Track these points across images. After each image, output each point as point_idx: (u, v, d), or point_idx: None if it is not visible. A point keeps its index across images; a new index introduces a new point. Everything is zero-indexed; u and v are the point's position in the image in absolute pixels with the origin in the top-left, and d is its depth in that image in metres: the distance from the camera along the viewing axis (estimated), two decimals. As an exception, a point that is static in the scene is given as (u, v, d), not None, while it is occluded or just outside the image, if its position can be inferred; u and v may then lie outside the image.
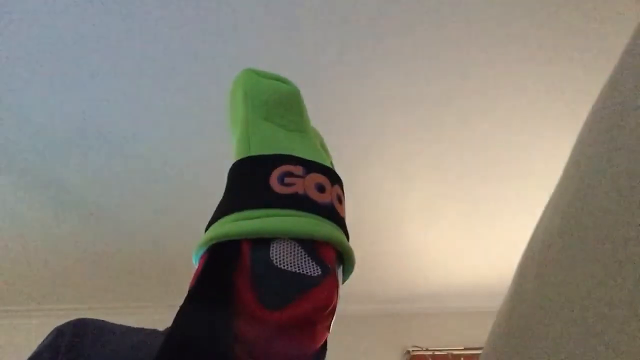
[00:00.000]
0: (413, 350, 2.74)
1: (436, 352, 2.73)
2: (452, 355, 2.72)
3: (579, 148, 0.29)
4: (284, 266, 0.56)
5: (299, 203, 0.59)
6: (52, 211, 2.08)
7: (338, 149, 1.79)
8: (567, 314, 0.26)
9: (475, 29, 1.35)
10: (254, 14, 1.31)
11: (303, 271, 0.56)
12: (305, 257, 0.57)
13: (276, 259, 0.57)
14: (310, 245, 0.58)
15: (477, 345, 2.62)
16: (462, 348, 2.72)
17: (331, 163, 0.79)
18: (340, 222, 0.62)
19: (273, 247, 0.57)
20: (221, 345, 0.56)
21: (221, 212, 0.64)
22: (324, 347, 0.63)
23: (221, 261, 0.60)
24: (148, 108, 1.60)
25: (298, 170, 0.62)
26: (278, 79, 0.71)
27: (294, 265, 0.56)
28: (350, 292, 2.79)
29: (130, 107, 1.60)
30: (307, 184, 0.61)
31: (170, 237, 2.20)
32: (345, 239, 0.62)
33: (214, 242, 0.60)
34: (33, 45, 1.38)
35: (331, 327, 0.60)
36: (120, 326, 0.69)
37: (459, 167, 1.87)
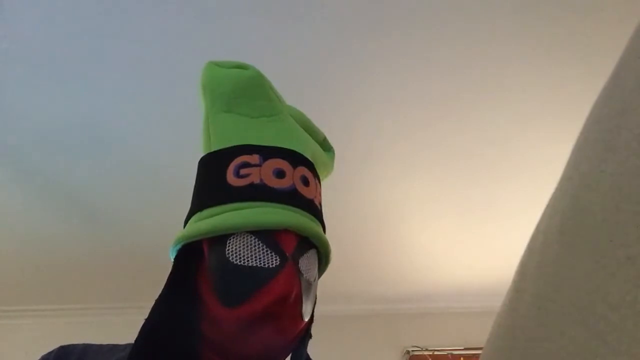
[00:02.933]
0: (413, 350, 2.74)
1: (436, 352, 2.73)
2: (452, 355, 2.72)
3: (578, 148, 0.29)
4: (239, 261, 0.55)
5: (255, 193, 0.58)
6: (52, 211, 2.08)
7: (337, 149, 1.78)
8: (567, 314, 0.26)
9: (474, 29, 1.35)
10: (253, 14, 1.31)
11: (260, 264, 0.55)
12: (262, 249, 0.56)
13: (232, 255, 0.56)
14: (269, 235, 0.56)
15: (477, 345, 2.62)
16: (462, 348, 2.72)
17: (325, 140, 0.78)
18: (305, 205, 0.60)
19: (229, 243, 0.56)
20: (187, 346, 0.56)
21: (188, 213, 0.64)
22: (305, 334, 0.62)
23: (187, 262, 0.60)
24: (149, 109, 1.60)
25: (254, 159, 0.60)
26: (238, 66, 0.68)
27: (250, 258, 0.55)
28: (350, 292, 2.79)
29: (131, 108, 1.60)
30: (263, 172, 0.59)
31: (170, 238, 2.20)
32: (309, 220, 0.60)
33: (178, 245, 0.60)
34: (33, 46, 1.38)
35: (304, 315, 0.58)
36: (105, 345, 0.67)
37: (459, 167, 1.87)
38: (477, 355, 2.67)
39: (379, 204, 2.07)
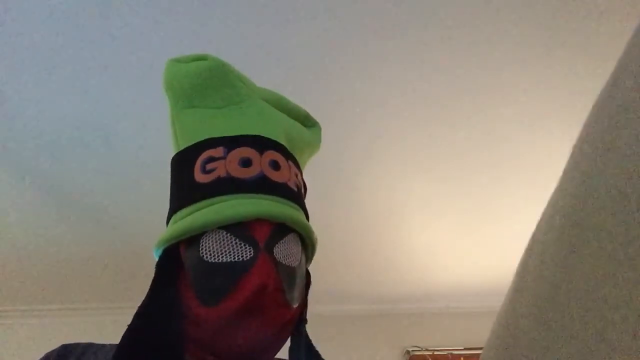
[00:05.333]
0: (413, 350, 2.74)
1: (436, 352, 2.73)
2: (452, 355, 2.72)
3: (579, 147, 0.29)
4: (213, 259, 0.55)
5: (223, 187, 0.57)
6: (52, 211, 2.08)
7: (337, 149, 1.79)
8: (567, 314, 0.26)
9: (474, 30, 1.35)
10: (254, 14, 1.30)
11: (234, 258, 0.55)
12: (234, 242, 0.55)
13: (206, 253, 0.56)
14: (240, 227, 0.56)
15: (477, 345, 2.62)
16: (462, 348, 2.72)
17: (307, 116, 0.76)
18: (276, 190, 0.59)
19: (202, 242, 0.56)
20: (172, 347, 0.56)
21: (167, 215, 0.64)
22: (300, 320, 0.61)
23: (168, 266, 0.59)
24: (149, 109, 1.60)
25: (219, 152, 0.60)
26: (197, 58, 0.67)
27: (224, 254, 0.55)
28: (350, 292, 2.79)
29: (132, 108, 1.60)
30: (229, 164, 0.59)
31: (170, 237, 2.20)
32: (281, 205, 0.58)
33: (158, 249, 0.60)
34: (34, 47, 1.38)
35: (291, 302, 0.57)
36: (107, 345, 0.67)
37: (459, 166, 1.87)
38: (477, 355, 2.67)
39: (379, 204, 2.07)
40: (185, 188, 0.61)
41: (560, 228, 0.29)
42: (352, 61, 1.45)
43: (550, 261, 0.29)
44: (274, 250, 0.56)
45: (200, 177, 0.59)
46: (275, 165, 0.60)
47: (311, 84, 1.50)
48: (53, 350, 0.65)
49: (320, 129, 0.79)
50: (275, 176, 0.59)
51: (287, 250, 0.58)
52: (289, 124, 0.70)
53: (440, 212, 2.12)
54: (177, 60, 0.68)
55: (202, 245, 0.56)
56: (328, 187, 1.96)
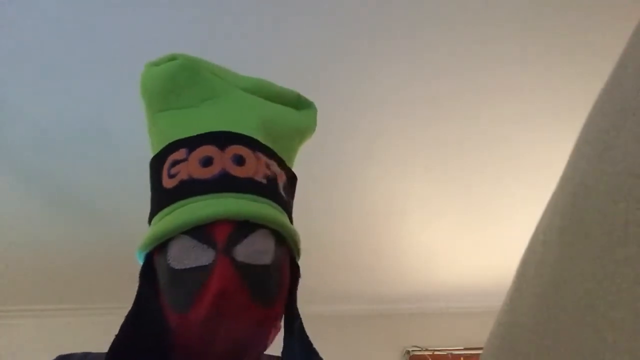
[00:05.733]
0: (413, 350, 2.74)
1: (436, 352, 2.73)
2: (452, 355, 2.72)
3: (578, 148, 0.30)
4: (179, 265, 0.55)
5: (184, 191, 0.57)
6: (52, 211, 2.08)
7: (337, 149, 1.79)
8: (567, 313, 0.26)
9: (475, 30, 1.35)
10: (256, 13, 1.30)
11: (197, 263, 0.54)
12: (197, 247, 0.54)
13: (172, 260, 0.55)
14: (201, 231, 0.54)
15: (477, 345, 2.62)
16: (462, 348, 2.72)
17: (299, 98, 0.74)
18: (239, 186, 0.57)
19: (169, 249, 0.56)
20: (158, 353, 0.56)
21: (148, 223, 0.64)
22: (291, 318, 0.60)
23: (148, 277, 0.60)
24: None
25: (181, 154, 0.59)
26: (169, 59, 0.66)
27: (187, 260, 0.54)
28: (350, 292, 2.79)
29: (132, 108, 1.60)
30: (190, 166, 0.58)
31: (170, 237, 2.20)
32: (243, 201, 0.56)
33: (140, 260, 0.60)
34: (34, 46, 1.38)
35: (264, 299, 0.55)
36: (104, 353, 0.68)
37: (459, 166, 1.87)
38: (477, 355, 2.67)
39: (379, 204, 2.07)
40: (157, 194, 0.61)
41: (560, 228, 0.29)
42: (351, 61, 1.45)
43: (550, 261, 0.29)
44: (235, 251, 0.54)
45: (167, 182, 0.59)
46: (239, 160, 0.58)
47: (311, 84, 1.49)
48: None
49: (315, 109, 0.76)
50: (238, 172, 0.58)
51: (252, 249, 0.55)
52: (270, 111, 0.67)
53: (440, 212, 2.12)
54: (152, 64, 0.68)
55: (169, 252, 0.56)
56: (328, 187, 1.96)
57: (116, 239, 2.27)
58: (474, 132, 1.70)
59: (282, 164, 0.65)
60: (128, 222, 2.19)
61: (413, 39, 1.38)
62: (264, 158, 0.61)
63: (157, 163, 0.62)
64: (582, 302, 0.26)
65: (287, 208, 0.64)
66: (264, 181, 0.59)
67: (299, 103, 0.74)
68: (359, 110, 1.62)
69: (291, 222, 0.65)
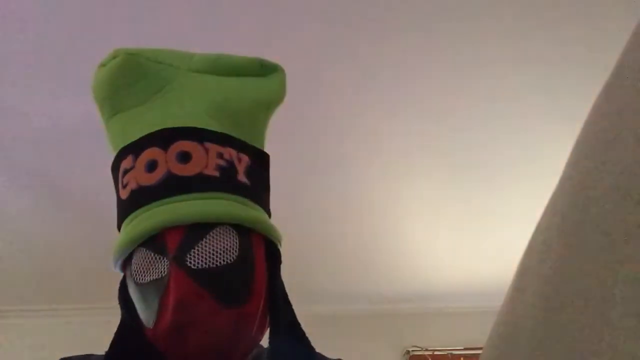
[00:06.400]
0: (413, 350, 2.74)
1: (436, 352, 2.73)
2: (452, 355, 2.72)
3: (578, 148, 0.30)
4: (141, 280, 0.53)
5: (135, 201, 0.54)
6: (52, 211, 2.08)
7: (337, 149, 1.79)
8: (567, 312, 0.27)
9: (475, 30, 1.35)
10: (255, 13, 1.31)
11: (155, 276, 0.52)
12: (152, 258, 0.52)
13: (135, 275, 0.53)
14: (155, 241, 0.52)
15: (477, 345, 2.62)
16: (462, 348, 2.72)
17: (262, 65, 0.67)
18: (185, 186, 0.53)
19: (132, 263, 0.54)
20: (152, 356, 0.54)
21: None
22: (276, 311, 0.57)
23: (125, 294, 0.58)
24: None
25: (129, 162, 0.56)
26: (112, 56, 0.63)
27: (146, 274, 0.52)
28: (350, 292, 2.79)
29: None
30: (137, 174, 0.55)
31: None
32: (191, 203, 0.53)
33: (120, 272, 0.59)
34: (33, 45, 1.38)
35: (232, 300, 0.52)
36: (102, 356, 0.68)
37: (459, 167, 1.87)
38: (477, 355, 2.67)
39: (379, 204, 2.07)
40: (117, 206, 0.60)
41: (560, 227, 0.29)
42: (352, 62, 1.45)
43: (550, 260, 0.29)
44: (188, 258, 0.51)
45: (122, 192, 0.57)
46: (185, 157, 0.54)
47: (311, 84, 1.49)
48: None
49: (281, 72, 0.70)
50: (184, 170, 0.54)
51: (209, 251, 0.52)
52: (226, 89, 0.62)
53: (440, 212, 2.12)
54: (100, 65, 0.64)
55: (132, 266, 0.54)
56: (328, 187, 1.96)
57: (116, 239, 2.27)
58: (473, 132, 1.70)
59: (243, 146, 0.60)
60: (128, 222, 2.19)
61: (414, 39, 1.38)
62: (215, 147, 0.56)
63: (113, 173, 0.61)
64: (581, 301, 0.26)
65: (255, 192, 0.59)
66: (216, 174, 0.55)
67: (263, 69, 0.68)
68: (360, 111, 1.62)
69: (267, 203, 0.62)
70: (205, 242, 0.52)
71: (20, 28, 1.33)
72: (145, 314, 0.53)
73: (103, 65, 0.63)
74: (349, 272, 2.53)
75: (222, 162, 0.56)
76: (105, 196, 2.01)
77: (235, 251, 0.53)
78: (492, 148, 1.79)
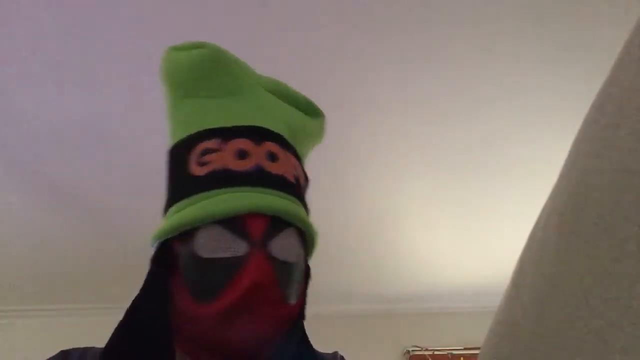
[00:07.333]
0: (413, 350, 2.74)
1: (436, 352, 2.73)
2: (452, 355, 2.72)
3: (576, 147, 0.30)
4: (208, 254, 0.53)
5: (218, 180, 0.55)
6: (52, 211, 2.08)
7: (337, 150, 1.79)
8: (565, 311, 0.27)
9: (475, 30, 1.35)
10: (254, 11, 1.31)
11: (228, 254, 0.53)
12: (229, 238, 0.53)
13: (200, 249, 0.54)
14: (235, 222, 0.53)
15: (477, 345, 2.62)
16: (462, 348, 2.72)
17: (310, 105, 0.73)
18: (273, 183, 0.56)
19: (196, 237, 0.54)
20: (163, 343, 0.55)
21: (164, 207, 0.62)
22: (298, 317, 0.59)
23: (161, 264, 0.58)
24: (150, 109, 1.60)
25: (215, 144, 0.57)
26: (195, 46, 0.64)
27: (218, 250, 0.53)
28: (350, 292, 2.79)
29: (132, 108, 1.60)
30: (225, 156, 0.56)
31: (170, 237, 2.20)
32: (278, 198, 0.56)
33: (153, 246, 0.59)
34: (33, 45, 1.38)
35: (288, 298, 0.55)
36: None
37: (458, 167, 1.87)
38: (477, 355, 2.66)
39: (379, 204, 2.07)
40: (180, 181, 0.59)
41: (558, 226, 0.29)
42: (352, 61, 1.45)
43: (549, 258, 0.29)
44: (270, 246, 0.54)
45: (195, 169, 0.57)
46: (273, 157, 0.58)
47: (311, 85, 1.49)
48: (52, 357, 0.63)
49: (323, 118, 0.75)
50: (272, 168, 0.57)
51: (283, 246, 0.55)
52: (291, 114, 0.67)
53: (439, 212, 2.12)
54: (176, 49, 0.65)
55: (196, 240, 0.54)
56: (328, 187, 1.96)
57: (116, 238, 2.27)
58: (474, 133, 1.70)
59: (303, 167, 0.65)
60: (128, 221, 2.19)
61: (413, 39, 1.38)
62: (292, 158, 0.61)
63: (182, 149, 0.60)
64: (579, 299, 0.26)
65: (307, 209, 0.64)
66: (293, 181, 0.59)
67: (309, 109, 0.74)
68: (359, 111, 1.62)
69: None
70: (283, 236, 0.55)
71: (21, 28, 1.33)
72: (204, 288, 0.53)
73: (180, 49, 0.65)
74: (349, 272, 2.53)
75: (295, 173, 0.61)
76: (107, 197, 2.02)
77: (299, 253, 0.57)
78: (493, 148, 1.79)
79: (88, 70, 1.46)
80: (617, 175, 0.24)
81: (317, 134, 0.73)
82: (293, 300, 0.56)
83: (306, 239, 0.61)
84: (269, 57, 1.43)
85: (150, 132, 1.71)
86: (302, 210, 0.59)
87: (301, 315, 0.60)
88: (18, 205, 2.05)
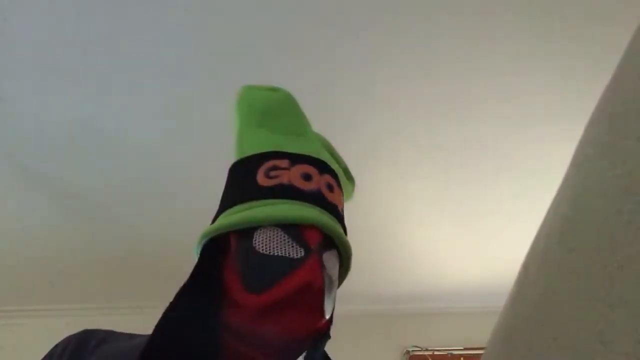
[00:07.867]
0: (413, 350, 2.74)
1: (436, 352, 2.73)
2: (452, 355, 2.72)
3: (580, 150, 0.30)
4: (266, 251, 0.58)
5: (283, 192, 0.62)
6: (53, 212, 2.08)
7: (339, 149, 1.78)
8: (568, 314, 0.27)
9: (475, 29, 1.35)
10: (252, 11, 1.31)
11: (285, 254, 0.58)
12: (288, 241, 0.59)
13: (259, 245, 0.59)
14: (294, 229, 0.59)
15: (477, 345, 2.62)
16: (462, 348, 2.72)
17: (345, 169, 0.82)
18: (329, 208, 0.64)
19: (257, 234, 0.59)
20: (207, 332, 0.59)
21: (217, 212, 0.67)
22: (325, 334, 0.63)
23: (212, 255, 0.62)
24: (150, 110, 1.60)
25: (284, 163, 0.64)
26: (271, 89, 0.74)
27: (276, 249, 0.58)
28: (350, 292, 2.78)
29: (133, 108, 1.60)
30: (292, 175, 0.63)
31: (171, 238, 2.20)
32: (333, 221, 0.63)
33: (205, 239, 0.63)
34: (35, 46, 1.38)
35: (326, 311, 0.60)
36: (127, 334, 0.70)
37: (459, 167, 1.87)
38: (477, 356, 2.67)
39: (379, 204, 2.07)
40: (245, 187, 0.65)
41: (561, 230, 0.29)
42: (353, 62, 1.45)
43: (552, 262, 0.29)
44: (323, 257, 0.60)
45: (262, 180, 0.63)
46: (331, 188, 0.66)
47: (313, 85, 1.49)
48: (74, 335, 0.68)
49: (354, 184, 0.85)
50: (329, 196, 0.65)
51: (331, 262, 0.62)
52: (336, 167, 0.75)
53: (441, 212, 2.12)
54: (253, 87, 0.75)
55: (256, 237, 0.59)
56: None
57: (117, 239, 2.27)
58: (474, 133, 1.70)
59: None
60: (129, 222, 2.19)
61: (413, 38, 1.38)
62: (341, 195, 0.70)
63: (251, 162, 0.67)
64: (582, 302, 0.26)
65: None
66: (342, 213, 0.68)
67: (346, 172, 0.83)
68: (360, 111, 1.62)
69: None
70: (330, 254, 0.62)
71: (22, 29, 1.33)
72: (256, 279, 0.58)
73: (257, 89, 0.74)
74: (349, 272, 2.53)
75: (342, 207, 0.70)
76: (107, 197, 2.02)
77: (337, 273, 0.65)
78: (493, 148, 1.79)
79: (88, 70, 1.46)
80: (620, 179, 0.24)
81: (349, 194, 0.82)
82: (328, 315, 0.61)
83: (342, 267, 0.68)
84: (271, 59, 1.43)
85: (150, 133, 1.71)
86: (344, 235, 0.66)
87: (325, 335, 0.64)
88: (18, 205, 2.05)
